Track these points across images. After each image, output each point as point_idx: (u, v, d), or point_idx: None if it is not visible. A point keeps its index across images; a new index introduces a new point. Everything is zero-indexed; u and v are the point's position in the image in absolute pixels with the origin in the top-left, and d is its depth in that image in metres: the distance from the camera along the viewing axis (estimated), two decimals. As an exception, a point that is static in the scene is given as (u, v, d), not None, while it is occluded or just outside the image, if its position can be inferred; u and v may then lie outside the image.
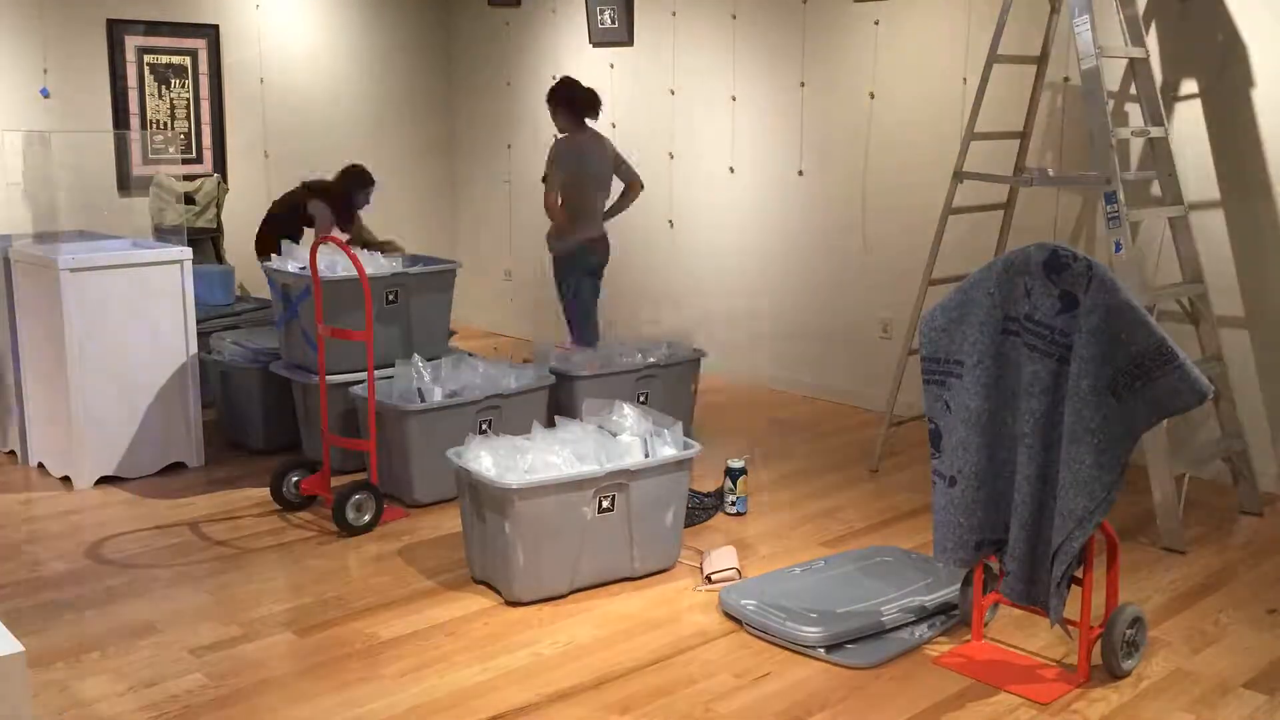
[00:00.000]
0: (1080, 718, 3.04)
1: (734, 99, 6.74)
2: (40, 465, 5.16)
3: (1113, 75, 5.15)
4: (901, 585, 3.72)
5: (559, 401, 5.10)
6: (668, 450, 3.94)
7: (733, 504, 4.57)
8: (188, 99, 7.21)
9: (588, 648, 3.43)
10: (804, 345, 6.57)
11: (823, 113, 6.31)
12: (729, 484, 4.56)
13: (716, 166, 6.91)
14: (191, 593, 3.84)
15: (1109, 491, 3.02)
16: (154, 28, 7.03)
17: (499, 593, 3.77)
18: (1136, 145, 5.13)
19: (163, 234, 6.41)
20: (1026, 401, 3.14)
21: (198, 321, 5.21)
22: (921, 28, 5.83)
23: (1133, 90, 4.99)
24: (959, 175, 5.04)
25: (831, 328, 6.42)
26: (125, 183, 7.03)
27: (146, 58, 7.02)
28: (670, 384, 5.49)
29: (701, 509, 4.53)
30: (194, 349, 5.12)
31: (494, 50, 8.18)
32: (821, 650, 3.35)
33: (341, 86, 7.90)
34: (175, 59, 7.13)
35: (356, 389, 4.71)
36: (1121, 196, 4.39)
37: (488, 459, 3.76)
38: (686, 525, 4.26)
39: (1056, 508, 3.09)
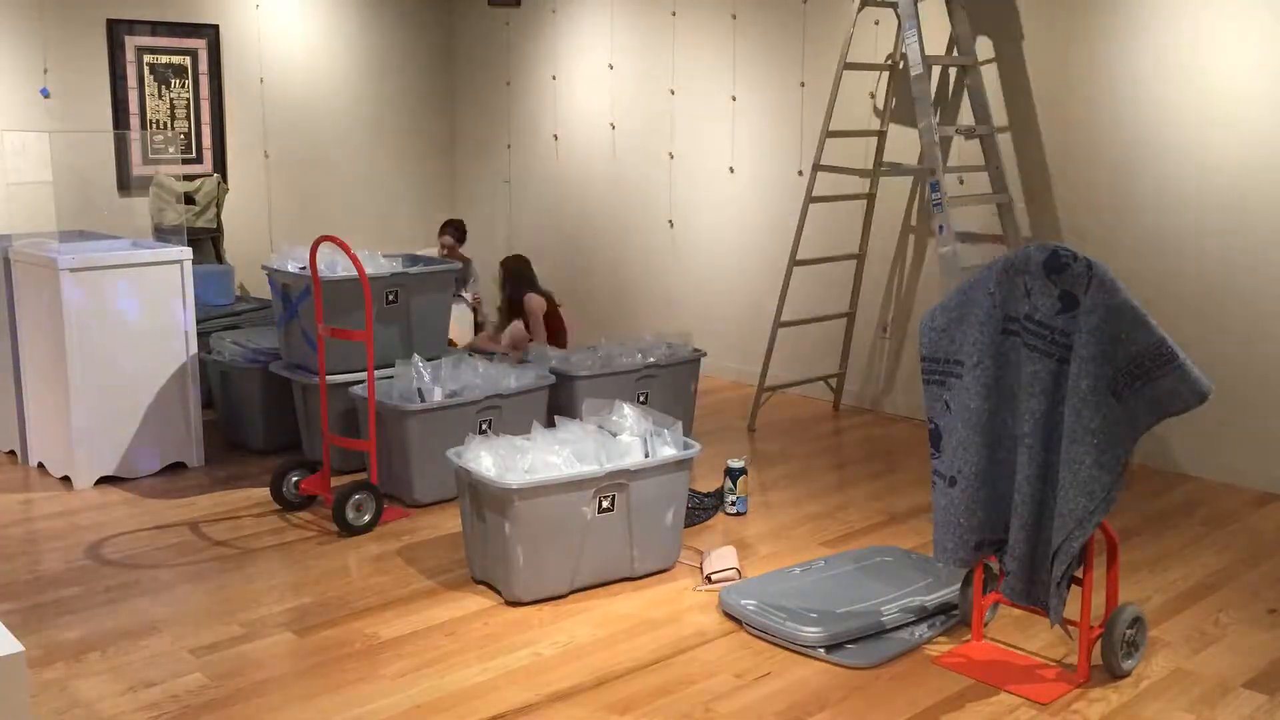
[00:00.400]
0: (1080, 718, 3.04)
1: (734, 99, 6.74)
2: (40, 465, 5.16)
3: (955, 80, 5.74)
4: (901, 585, 3.72)
5: (559, 401, 5.10)
6: (668, 450, 3.94)
7: (733, 504, 4.57)
8: (188, 99, 7.21)
9: (588, 648, 3.43)
10: (804, 345, 6.57)
11: (823, 113, 6.31)
12: (729, 484, 4.56)
13: (716, 166, 6.91)
14: (191, 593, 3.84)
15: (1109, 492, 3.02)
16: (154, 28, 7.03)
17: (499, 593, 3.77)
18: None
19: (163, 234, 6.41)
20: (1026, 402, 3.14)
21: (198, 321, 5.21)
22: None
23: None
24: (816, 168, 5.70)
25: (831, 327, 6.42)
26: (125, 183, 7.03)
27: (146, 58, 7.02)
28: (670, 384, 5.49)
29: (701, 509, 4.53)
30: (194, 349, 5.12)
31: (494, 50, 8.19)
32: (821, 650, 3.35)
33: (341, 86, 7.90)
34: (175, 59, 7.13)
35: (357, 389, 4.71)
36: (944, 185, 5.09)
37: (488, 459, 3.76)
38: (686, 525, 4.26)
39: (1057, 508, 3.09)
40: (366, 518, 4.36)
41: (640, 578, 3.93)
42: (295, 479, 4.58)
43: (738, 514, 4.57)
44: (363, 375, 4.78)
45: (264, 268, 5.11)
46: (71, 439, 4.85)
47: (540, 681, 3.22)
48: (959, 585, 3.59)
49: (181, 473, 5.11)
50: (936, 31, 5.70)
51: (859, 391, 6.34)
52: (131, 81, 6.98)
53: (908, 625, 3.51)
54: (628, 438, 3.95)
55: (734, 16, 6.69)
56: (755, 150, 6.70)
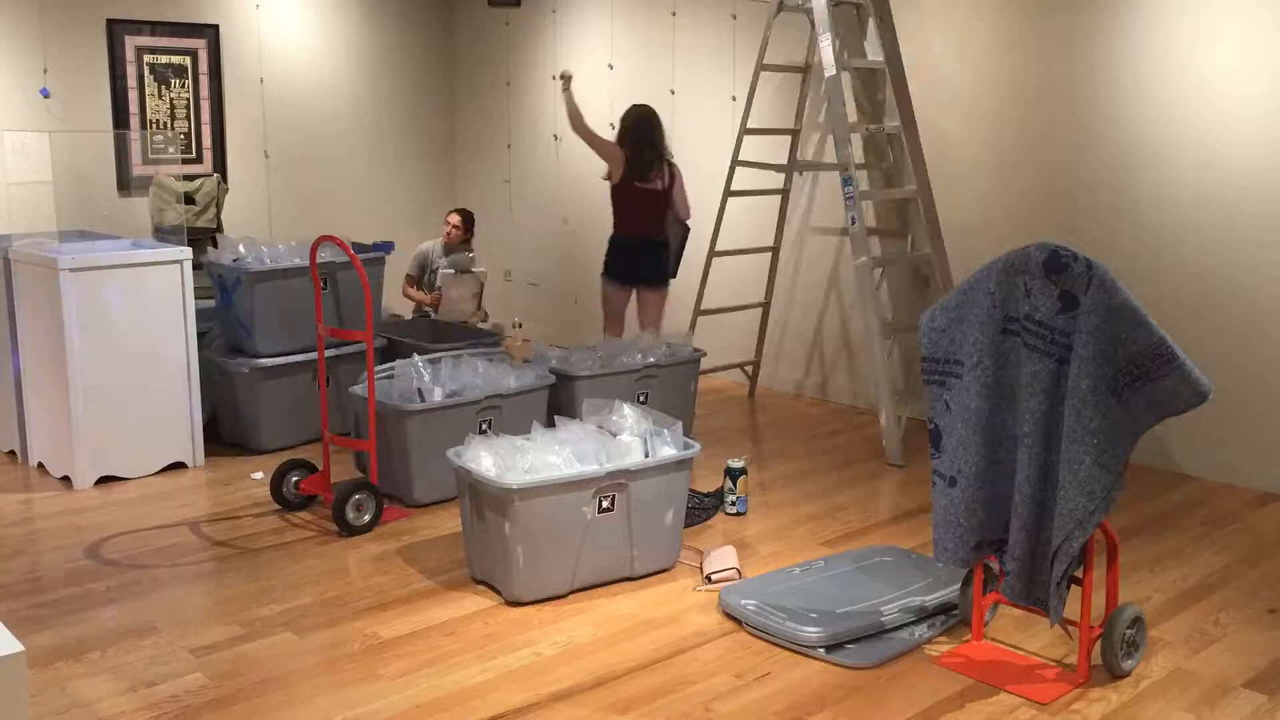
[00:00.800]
0: (1080, 718, 3.04)
1: (734, 99, 6.74)
2: (40, 465, 5.16)
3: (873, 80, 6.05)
4: (901, 585, 3.73)
5: (559, 401, 5.10)
6: (668, 450, 3.94)
7: (733, 504, 4.57)
8: (188, 99, 7.21)
9: (588, 648, 3.43)
10: (804, 345, 6.57)
11: (820, 113, 6.31)
12: (729, 484, 4.56)
13: (716, 166, 6.91)
14: (191, 593, 3.84)
15: (1109, 492, 3.02)
16: (154, 28, 7.03)
17: (499, 593, 3.77)
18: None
19: (163, 234, 6.41)
20: (1026, 401, 3.14)
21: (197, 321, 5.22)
22: (919, 27, 5.83)
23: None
24: (735, 163, 6.09)
25: (831, 327, 6.42)
26: (125, 183, 7.03)
27: (146, 58, 7.02)
28: (670, 384, 5.49)
29: (701, 509, 4.53)
30: (194, 349, 5.12)
31: (494, 50, 8.19)
32: (821, 650, 3.36)
33: (341, 86, 7.90)
34: (175, 59, 7.13)
35: (356, 388, 4.72)
36: (855, 180, 5.42)
37: (488, 459, 3.76)
38: (686, 525, 4.26)
39: (1057, 508, 3.09)
40: (366, 518, 4.37)
41: (640, 578, 3.93)
42: (295, 479, 4.58)
43: (738, 514, 4.57)
44: (304, 357, 5.30)
45: (203, 260, 5.46)
46: (71, 439, 4.85)
47: (540, 681, 3.22)
48: (959, 585, 3.59)
49: (181, 473, 5.11)
50: (857, 36, 5.85)
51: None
52: (131, 81, 6.98)
53: (907, 625, 3.52)
54: (628, 438, 3.95)
55: (734, 16, 6.69)
56: (754, 150, 6.69)
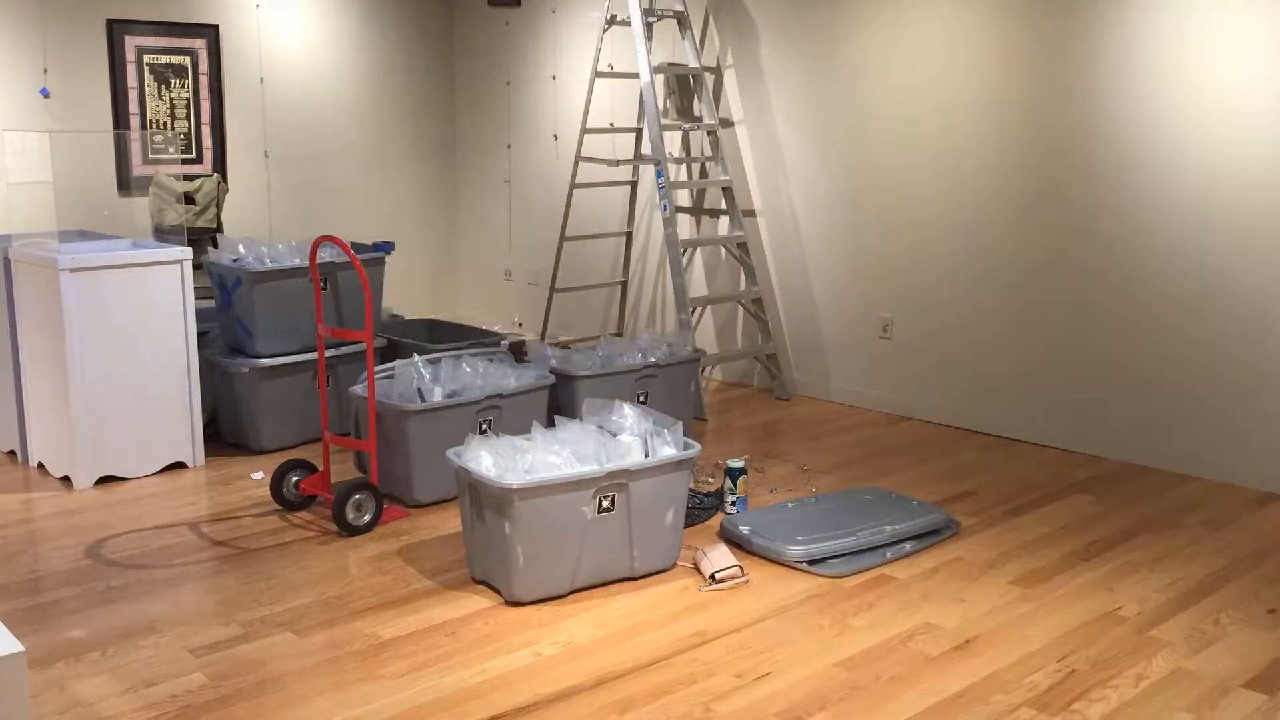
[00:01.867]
0: (1080, 717, 3.04)
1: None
2: (40, 465, 5.16)
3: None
4: (877, 518, 4.31)
5: (559, 401, 5.10)
6: (668, 450, 3.95)
7: (733, 504, 4.56)
8: (188, 99, 7.21)
9: (588, 648, 3.43)
10: (804, 345, 6.58)
11: (822, 112, 6.31)
12: (729, 484, 4.56)
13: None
14: (191, 593, 3.84)
15: None
16: (154, 28, 7.03)
17: (499, 592, 3.77)
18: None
19: (163, 234, 6.41)
20: None
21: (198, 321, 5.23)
22: (908, 27, 5.83)
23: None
24: (578, 159, 6.87)
25: (831, 327, 6.43)
26: (125, 183, 7.03)
27: (146, 58, 7.02)
28: (670, 384, 5.49)
29: (701, 509, 4.53)
30: (194, 349, 5.12)
31: (494, 50, 8.19)
32: (805, 564, 3.95)
33: (342, 86, 7.91)
34: (175, 59, 7.13)
35: (356, 388, 4.72)
36: (668, 172, 6.23)
37: (487, 459, 3.76)
38: (686, 526, 4.27)
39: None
40: (366, 518, 4.36)
41: (640, 578, 3.93)
42: (295, 479, 4.58)
43: (738, 514, 4.57)
44: (303, 358, 5.34)
45: (203, 260, 5.49)
46: (71, 439, 4.85)
47: (540, 681, 3.22)
48: (935, 517, 4.20)
49: (181, 473, 5.12)
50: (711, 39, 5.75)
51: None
52: (131, 81, 6.98)
53: (879, 548, 4.14)
54: (628, 438, 3.95)
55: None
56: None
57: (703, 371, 6.66)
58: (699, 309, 7.01)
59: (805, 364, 6.59)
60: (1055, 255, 5.47)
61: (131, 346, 4.94)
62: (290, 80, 7.66)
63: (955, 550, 4.21)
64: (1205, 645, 3.46)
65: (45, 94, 6.72)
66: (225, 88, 7.37)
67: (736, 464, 4.57)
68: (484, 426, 4.70)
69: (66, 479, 4.96)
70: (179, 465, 5.15)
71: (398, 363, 4.86)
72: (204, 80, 7.25)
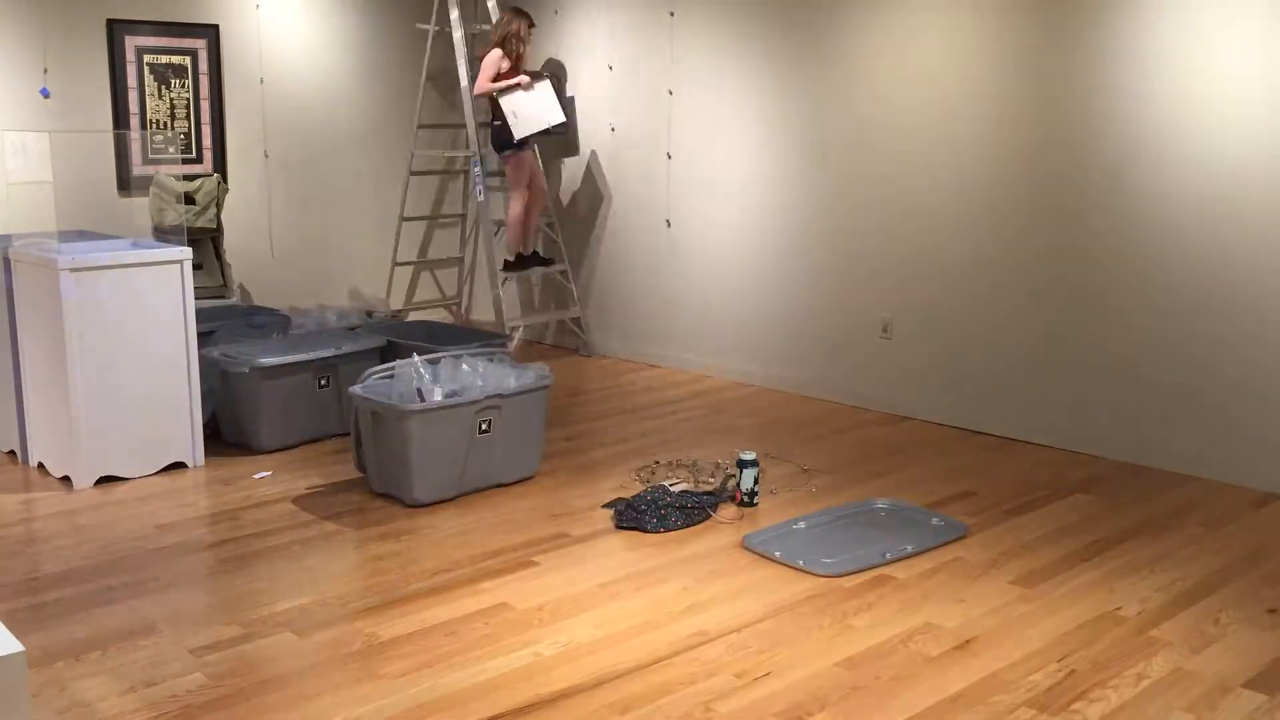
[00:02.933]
0: (1080, 717, 3.04)
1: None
2: (40, 465, 5.16)
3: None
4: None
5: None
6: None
7: (748, 494, 4.62)
8: (188, 99, 7.20)
9: (588, 648, 3.43)
10: (803, 345, 6.58)
11: (822, 113, 6.32)
12: (741, 474, 4.62)
13: (715, 166, 6.91)
14: (191, 593, 3.84)
15: None
16: (154, 28, 7.03)
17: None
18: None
19: (163, 234, 6.41)
20: None
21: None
22: (898, 28, 5.83)
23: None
24: (414, 152, 7.83)
25: (831, 327, 6.42)
26: (125, 183, 7.02)
27: (146, 58, 7.01)
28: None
29: (701, 509, 4.54)
30: (194, 349, 5.12)
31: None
32: (800, 561, 4.02)
33: (342, 86, 7.90)
34: (175, 59, 7.13)
35: (356, 388, 4.72)
36: (484, 162, 7.39)
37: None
38: (685, 525, 4.28)
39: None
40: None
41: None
42: None
43: (753, 505, 4.64)
44: (298, 358, 5.39)
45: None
46: (71, 439, 4.85)
47: (540, 681, 3.22)
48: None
49: (182, 473, 5.11)
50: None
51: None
52: (131, 81, 6.97)
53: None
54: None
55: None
56: (754, 148, 6.70)
57: (511, 333, 7.10)
58: (506, 279, 7.48)
59: (805, 363, 6.59)
60: (1055, 254, 5.47)
61: (131, 346, 4.94)
62: (290, 80, 7.66)
63: (955, 550, 4.21)
64: (1205, 645, 3.46)
65: (45, 94, 6.71)
66: (225, 88, 7.36)
67: (748, 455, 4.62)
68: (484, 426, 4.70)
69: (66, 479, 4.96)
70: (179, 465, 5.15)
71: (398, 363, 4.86)
72: (204, 80, 7.24)
